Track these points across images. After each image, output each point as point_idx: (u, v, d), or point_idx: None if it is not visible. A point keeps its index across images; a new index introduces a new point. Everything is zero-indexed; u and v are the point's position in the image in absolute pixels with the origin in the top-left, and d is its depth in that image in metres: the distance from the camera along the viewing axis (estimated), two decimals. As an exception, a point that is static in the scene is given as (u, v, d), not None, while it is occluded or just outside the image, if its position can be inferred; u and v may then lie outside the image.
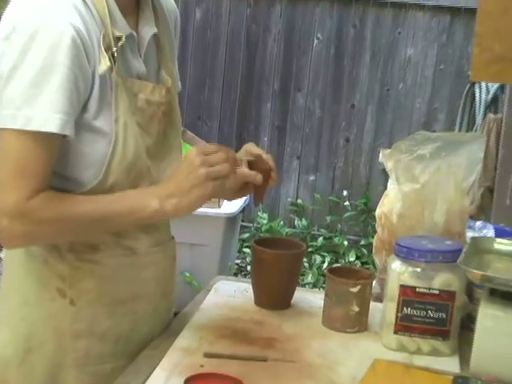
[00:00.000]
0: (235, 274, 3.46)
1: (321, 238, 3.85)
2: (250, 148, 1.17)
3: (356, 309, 1.20)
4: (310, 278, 3.49)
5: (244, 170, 1.12)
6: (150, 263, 1.10)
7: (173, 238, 1.19)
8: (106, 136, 0.97)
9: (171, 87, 1.10)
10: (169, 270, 1.16)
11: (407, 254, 1.13)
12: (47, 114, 0.91)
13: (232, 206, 2.92)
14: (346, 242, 3.76)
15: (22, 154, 0.93)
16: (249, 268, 3.46)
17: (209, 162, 0.98)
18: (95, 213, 0.97)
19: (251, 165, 1.15)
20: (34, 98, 0.91)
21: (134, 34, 1.04)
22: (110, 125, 0.97)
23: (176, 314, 1.31)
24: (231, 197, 1.20)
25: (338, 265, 3.37)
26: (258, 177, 1.12)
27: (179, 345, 1.11)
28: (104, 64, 0.96)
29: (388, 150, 1.32)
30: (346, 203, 3.85)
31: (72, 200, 0.96)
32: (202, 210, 3.17)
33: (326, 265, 3.56)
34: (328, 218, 3.92)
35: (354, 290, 1.19)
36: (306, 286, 3.47)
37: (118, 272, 1.06)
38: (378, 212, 1.33)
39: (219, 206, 2.86)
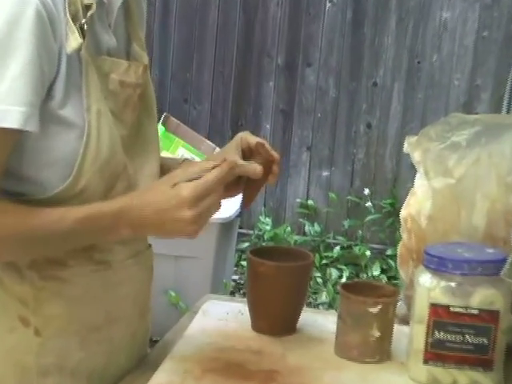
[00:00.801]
0: (232, 293, 3.46)
1: (337, 248, 3.86)
2: (247, 137, 1.18)
3: (377, 334, 1.20)
4: (324, 297, 3.48)
5: (238, 160, 1.12)
6: (126, 278, 1.11)
7: (150, 245, 1.20)
8: (74, 128, 0.97)
9: (147, 65, 1.11)
10: (146, 284, 1.17)
11: (439, 264, 1.14)
12: (6, 106, 0.90)
13: (227, 209, 2.92)
14: (368, 252, 3.77)
15: None
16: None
17: (201, 207, 0.99)
18: (58, 229, 0.97)
19: (246, 156, 1.15)
20: None
21: (105, 0, 1.03)
22: (81, 114, 0.97)
23: (155, 341, 1.31)
24: None
25: (358, 280, 3.38)
26: (257, 169, 1.11)
27: (158, 380, 1.11)
28: (74, 40, 0.95)
29: (415, 138, 1.33)
30: (368, 204, 3.86)
31: (28, 213, 0.97)
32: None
33: (344, 280, 3.56)
34: (346, 223, 3.92)
35: (374, 310, 1.19)
36: (320, 306, 3.47)
37: (91, 291, 1.06)
38: (403, 214, 1.33)
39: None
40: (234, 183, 1.15)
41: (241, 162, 1.13)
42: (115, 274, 1.09)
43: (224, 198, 1.18)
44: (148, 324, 1.21)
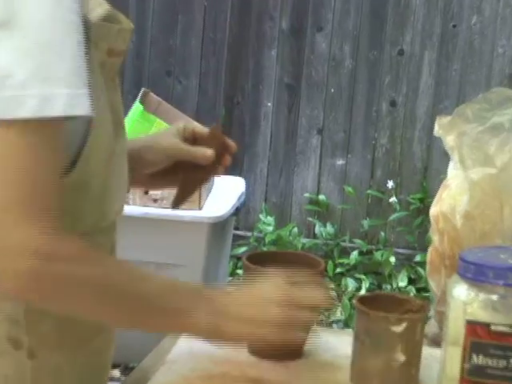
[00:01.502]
0: (226, 309, 3.46)
1: (355, 253, 3.87)
2: (191, 125, 1.23)
3: (401, 358, 1.20)
4: (338, 314, 3.49)
5: (182, 145, 1.17)
6: None
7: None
8: None
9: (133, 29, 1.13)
10: None
11: (477, 273, 1.14)
12: (77, 90, 0.93)
13: (220, 207, 2.93)
14: (392, 259, 3.77)
15: (31, 159, 0.93)
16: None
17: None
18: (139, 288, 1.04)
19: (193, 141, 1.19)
20: (45, 67, 0.92)
21: None
22: None
23: (132, 368, 1.32)
24: (152, 183, 1.26)
25: (379, 292, 3.38)
26: (207, 152, 1.16)
27: (135, 415, 1.12)
28: (98, 6, 0.99)
29: (448, 118, 1.33)
30: (393, 200, 3.86)
31: (117, 263, 1.05)
32: (175, 213, 3.13)
33: (363, 292, 3.57)
34: (365, 223, 3.93)
35: (399, 329, 1.19)
36: (334, 325, 3.47)
37: None
38: (433, 211, 1.33)
39: (200, 207, 2.87)
40: (171, 172, 1.18)
41: (186, 146, 1.18)
42: None
43: (159, 189, 1.22)
44: None
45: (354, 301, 1.24)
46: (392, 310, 1.22)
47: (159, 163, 1.20)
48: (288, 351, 1.28)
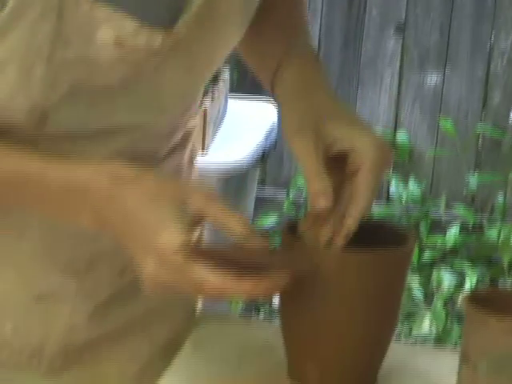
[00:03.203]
0: (247, 311, 3.48)
1: (455, 228, 3.91)
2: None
3: (539, 392, 1.20)
4: (427, 324, 3.50)
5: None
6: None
7: None
8: None
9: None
10: None
11: None
12: None
13: (236, 150, 2.93)
14: (517, 237, 3.80)
15: None
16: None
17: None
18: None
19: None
20: None
21: None
22: None
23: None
24: None
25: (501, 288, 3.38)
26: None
27: None
28: None
29: None
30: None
31: None
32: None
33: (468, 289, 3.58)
34: (473, 180, 3.95)
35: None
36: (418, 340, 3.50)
37: None
38: None
39: (203, 150, 2.87)
40: None
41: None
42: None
43: None
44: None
45: (459, 301, 1.23)
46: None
47: None
48: (354, 381, 1.30)
